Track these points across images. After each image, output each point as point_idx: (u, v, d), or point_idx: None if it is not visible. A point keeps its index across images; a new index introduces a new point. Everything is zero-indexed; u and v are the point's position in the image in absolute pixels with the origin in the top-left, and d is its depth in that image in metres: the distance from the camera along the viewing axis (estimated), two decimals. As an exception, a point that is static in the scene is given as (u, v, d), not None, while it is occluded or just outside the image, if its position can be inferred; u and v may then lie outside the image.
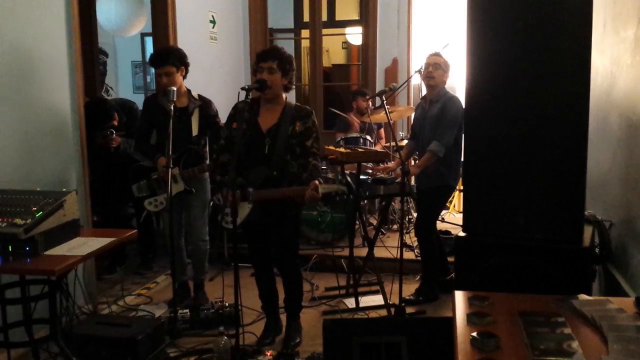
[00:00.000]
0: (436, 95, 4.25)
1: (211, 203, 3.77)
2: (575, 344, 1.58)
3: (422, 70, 4.37)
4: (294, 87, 3.57)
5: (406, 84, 4.70)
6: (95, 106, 4.88)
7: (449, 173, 4.21)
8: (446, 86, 4.35)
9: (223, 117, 4.33)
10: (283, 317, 3.80)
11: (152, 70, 8.46)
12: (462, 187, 5.93)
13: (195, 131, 4.12)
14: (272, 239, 3.61)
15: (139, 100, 5.19)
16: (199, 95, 4.21)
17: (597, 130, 3.22)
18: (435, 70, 4.23)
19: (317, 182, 3.24)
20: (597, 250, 2.94)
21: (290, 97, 3.62)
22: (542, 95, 2.48)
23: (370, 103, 6.03)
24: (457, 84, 6.04)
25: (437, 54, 4.32)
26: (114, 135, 4.73)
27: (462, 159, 2.88)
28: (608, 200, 3.13)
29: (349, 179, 3.36)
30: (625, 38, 2.80)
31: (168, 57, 4.02)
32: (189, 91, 4.16)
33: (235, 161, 3.08)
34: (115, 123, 4.90)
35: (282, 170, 3.41)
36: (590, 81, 2.45)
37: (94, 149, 4.67)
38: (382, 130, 6.42)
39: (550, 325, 1.72)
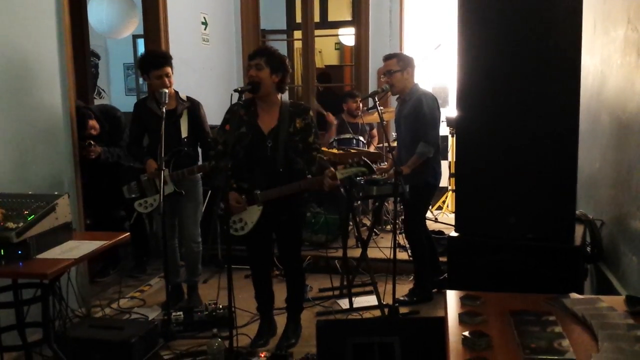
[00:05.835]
0: (408, 93, 4.26)
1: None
2: (565, 343, 1.59)
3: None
4: (287, 89, 3.55)
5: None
6: None
7: (426, 171, 4.19)
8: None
9: (214, 119, 4.33)
10: (277, 319, 3.80)
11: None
12: (454, 187, 5.96)
13: (184, 133, 4.11)
14: (278, 238, 3.62)
15: (131, 102, 5.14)
16: (187, 97, 4.20)
17: (588, 129, 3.23)
18: (389, 77, 4.21)
19: (332, 169, 3.26)
20: (588, 249, 2.95)
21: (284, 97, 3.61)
22: (533, 94, 2.49)
23: (362, 104, 6.03)
24: (449, 84, 6.05)
25: (385, 58, 4.29)
26: (93, 145, 4.52)
27: (455, 159, 2.88)
28: (599, 199, 3.15)
29: (365, 159, 3.32)
30: (615, 38, 2.81)
31: (167, 58, 4.04)
32: (176, 93, 4.15)
33: (229, 165, 3.09)
34: (94, 132, 4.64)
35: (288, 168, 3.42)
36: (581, 81, 2.46)
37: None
38: (374, 131, 6.42)
39: (541, 324, 1.72)
